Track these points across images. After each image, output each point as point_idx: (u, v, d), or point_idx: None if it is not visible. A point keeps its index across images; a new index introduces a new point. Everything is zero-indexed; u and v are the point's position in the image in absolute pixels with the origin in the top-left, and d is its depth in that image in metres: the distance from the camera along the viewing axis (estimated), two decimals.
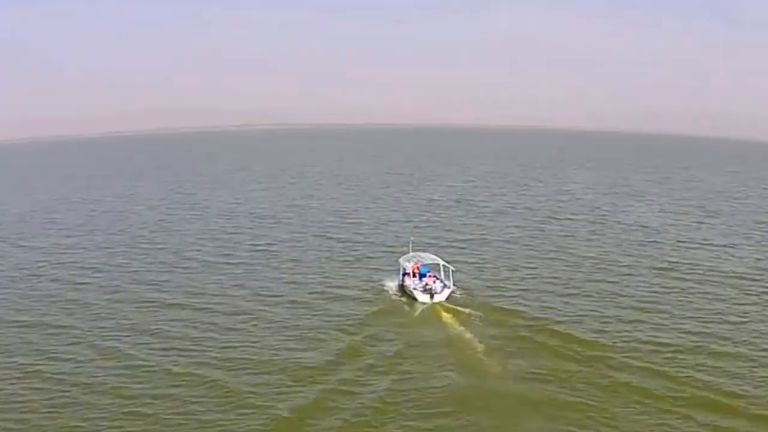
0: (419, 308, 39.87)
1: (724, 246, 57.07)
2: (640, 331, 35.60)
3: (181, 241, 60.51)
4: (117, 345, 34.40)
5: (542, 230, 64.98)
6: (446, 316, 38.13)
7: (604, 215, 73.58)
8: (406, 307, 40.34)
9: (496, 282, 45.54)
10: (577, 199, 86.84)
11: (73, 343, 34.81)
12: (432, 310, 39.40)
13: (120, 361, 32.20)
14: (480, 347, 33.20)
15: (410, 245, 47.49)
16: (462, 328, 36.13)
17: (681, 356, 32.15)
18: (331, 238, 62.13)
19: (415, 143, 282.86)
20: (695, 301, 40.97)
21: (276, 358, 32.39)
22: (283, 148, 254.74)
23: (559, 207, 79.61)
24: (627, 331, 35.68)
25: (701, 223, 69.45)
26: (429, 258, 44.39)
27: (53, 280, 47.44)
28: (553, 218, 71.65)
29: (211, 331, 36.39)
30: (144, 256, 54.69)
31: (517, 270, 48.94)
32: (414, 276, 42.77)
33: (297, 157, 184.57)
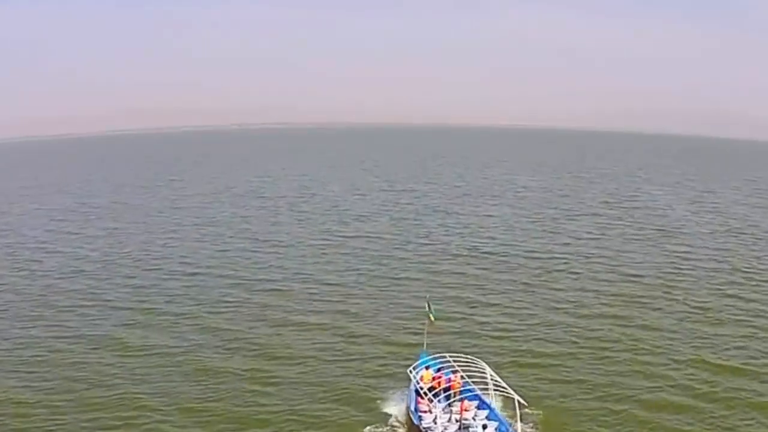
0: None
1: None
2: None
3: None
4: None
5: (679, 329, 33.29)
6: None
7: None
8: None
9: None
10: (706, 250, 53.29)
11: None
12: None
13: None
14: None
15: (425, 337, 27.37)
16: None
17: None
18: (293, 323, 34.22)
19: (417, 143, 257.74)
20: None
21: None
22: (273, 148, 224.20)
23: (687, 274, 46.50)
24: None
25: None
26: (465, 366, 24.15)
27: None
28: (695, 308, 39.16)
29: None
30: None
31: (637, 399, 26.82)
32: (436, 396, 23.20)
33: (283, 164, 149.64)
